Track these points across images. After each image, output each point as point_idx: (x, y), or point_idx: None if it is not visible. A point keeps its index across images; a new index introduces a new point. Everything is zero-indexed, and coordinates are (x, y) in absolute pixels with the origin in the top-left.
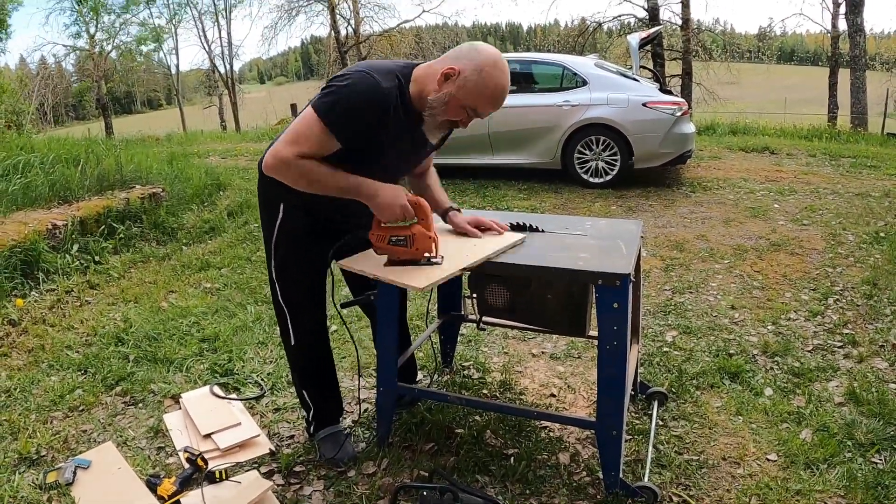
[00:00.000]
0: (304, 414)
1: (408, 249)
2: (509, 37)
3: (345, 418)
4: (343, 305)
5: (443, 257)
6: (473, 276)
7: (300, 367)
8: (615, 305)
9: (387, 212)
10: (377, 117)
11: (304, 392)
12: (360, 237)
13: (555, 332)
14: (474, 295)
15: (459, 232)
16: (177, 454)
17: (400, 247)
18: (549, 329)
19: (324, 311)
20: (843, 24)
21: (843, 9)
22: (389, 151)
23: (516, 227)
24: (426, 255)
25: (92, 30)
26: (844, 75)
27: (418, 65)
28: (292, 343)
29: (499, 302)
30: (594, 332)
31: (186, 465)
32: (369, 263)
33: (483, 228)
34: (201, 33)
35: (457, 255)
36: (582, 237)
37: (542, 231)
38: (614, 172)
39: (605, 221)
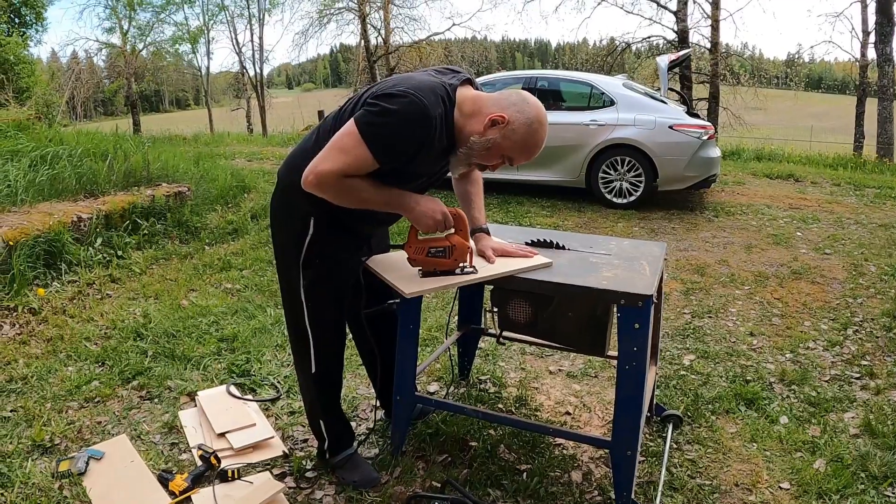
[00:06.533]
0: (317, 443)
1: (447, 260)
2: (538, 53)
3: (359, 425)
4: (366, 314)
5: (475, 267)
6: (496, 291)
7: (320, 397)
8: (636, 326)
9: (426, 222)
10: (422, 145)
11: (320, 422)
12: (388, 249)
13: (575, 351)
14: (496, 309)
15: (479, 253)
16: (190, 451)
17: (439, 258)
18: (569, 347)
19: (345, 331)
20: (871, 53)
21: (872, 38)
22: (423, 172)
23: (541, 244)
24: (461, 264)
25: (125, 26)
26: (872, 105)
27: (462, 80)
28: (313, 371)
29: (520, 317)
30: (613, 353)
31: (199, 463)
32: (394, 273)
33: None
34: (233, 36)
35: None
36: (606, 256)
37: (567, 248)
38: (638, 193)
39: (629, 242)
